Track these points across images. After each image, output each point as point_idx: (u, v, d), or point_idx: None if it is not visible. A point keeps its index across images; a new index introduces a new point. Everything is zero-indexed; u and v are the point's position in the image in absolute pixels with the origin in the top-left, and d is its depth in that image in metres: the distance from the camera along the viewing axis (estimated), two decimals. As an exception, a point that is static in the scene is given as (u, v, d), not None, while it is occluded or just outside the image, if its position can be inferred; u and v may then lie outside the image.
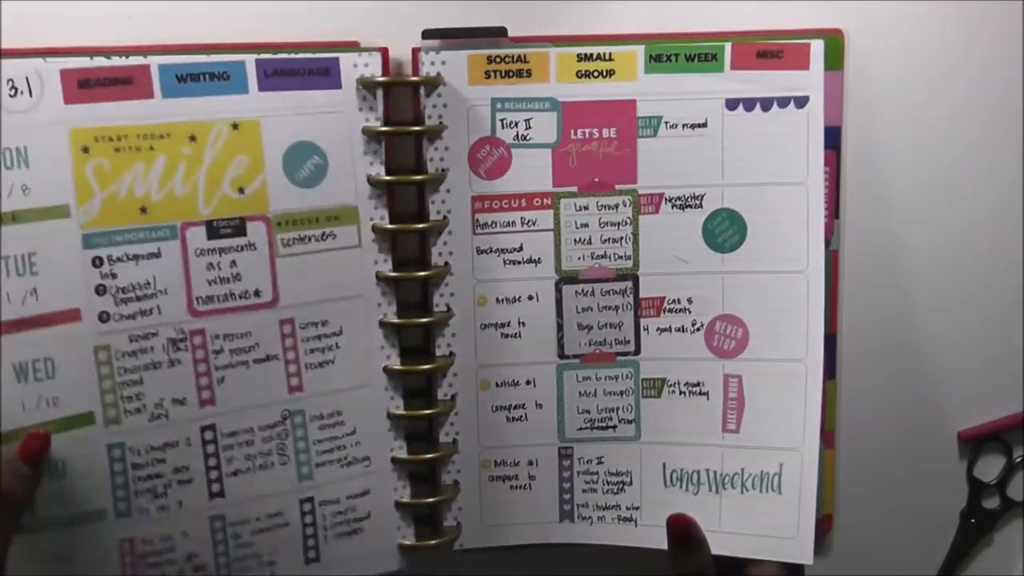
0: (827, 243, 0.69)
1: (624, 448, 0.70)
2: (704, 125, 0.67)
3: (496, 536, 0.70)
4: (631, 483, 0.70)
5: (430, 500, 0.68)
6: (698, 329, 0.68)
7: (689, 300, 0.68)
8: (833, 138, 0.68)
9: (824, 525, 0.72)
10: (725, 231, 0.67)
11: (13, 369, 0.59)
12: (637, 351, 0.69)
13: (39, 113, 0.58)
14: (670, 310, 0.69)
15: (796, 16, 0.68)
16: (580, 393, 0.69)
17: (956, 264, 0.72)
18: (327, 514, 0.66)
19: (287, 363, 0.64)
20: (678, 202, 0.68)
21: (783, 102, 0.66)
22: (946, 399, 0.74)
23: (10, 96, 0.58)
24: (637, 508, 0.70)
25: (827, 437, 0.71)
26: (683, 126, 0.67)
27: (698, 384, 0.69)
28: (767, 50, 0.66)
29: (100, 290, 0.60)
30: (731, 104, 0.67)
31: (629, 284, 0.69)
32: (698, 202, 0.68)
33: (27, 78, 0.58)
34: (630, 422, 0.69)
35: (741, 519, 0.68)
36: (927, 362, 0.73)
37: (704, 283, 0.68)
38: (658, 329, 0.69)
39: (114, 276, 0.60)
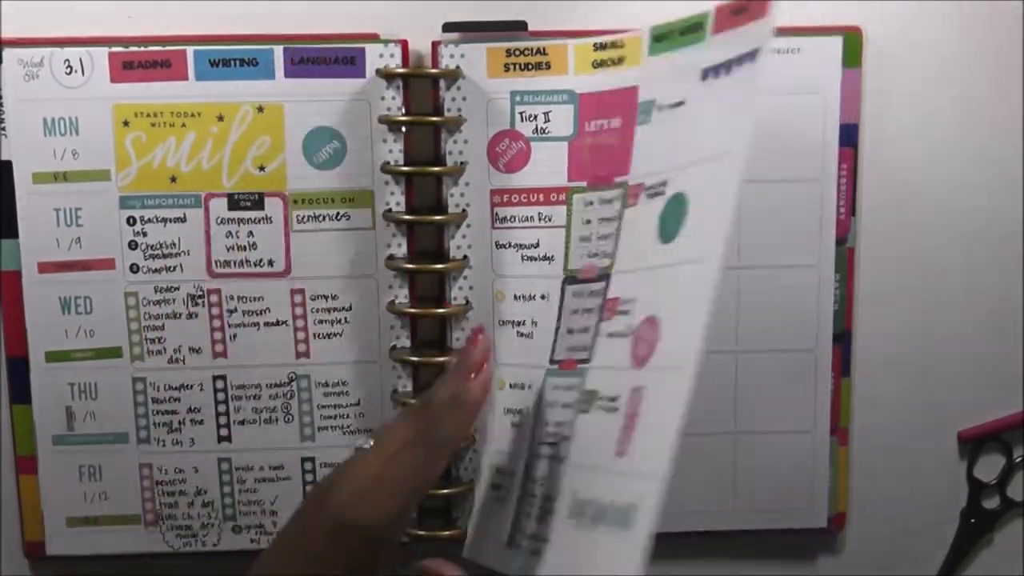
0: (843, 240, 0.69)
1: (555, 470, 0.58)
2: (682, 104, 0.57)
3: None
4: (552, 512, 0.57)
5: (444, 492, 0.68)
6: (629, 334, 0.56)
7: (631, 301, 0.56)
8: (851, 135, 0.68)
9: (837, 522, 0.72)
10: (670, 219, 0.55)
11: (59, 301, 0.67)
12: (590, 358, 0.59)
13: (88, 89, 0.66)
14: (621, 312, 0.57)
15: (815, 13, 0.68)
16: (550, 404, 0.61)
17: (964, 263, 0.72)
18: None
19: (296, 330, 0.69)
20: (650, 191, 0.57)
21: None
22: (946, 399, 0.73)
23: (66, 74, 0.65)
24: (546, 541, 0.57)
25: (841, 434, 0.71)
26: (667, 107, 0.58)
27: (614, 399, 0.55)
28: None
29: (132, 245, 0.67)
30: (705, 74, 0.55)
31: (603, 284, 0.60)
32: (663, 189, 0.56)
33: (80, 58, 0.66)
34: (568, 440, 0.58)
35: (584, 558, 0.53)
36: (929, 361, 0.73)
37: (642, 281, 0.56)
38: (609, 334, 0.58)
39: (145, 234, 0.67)
